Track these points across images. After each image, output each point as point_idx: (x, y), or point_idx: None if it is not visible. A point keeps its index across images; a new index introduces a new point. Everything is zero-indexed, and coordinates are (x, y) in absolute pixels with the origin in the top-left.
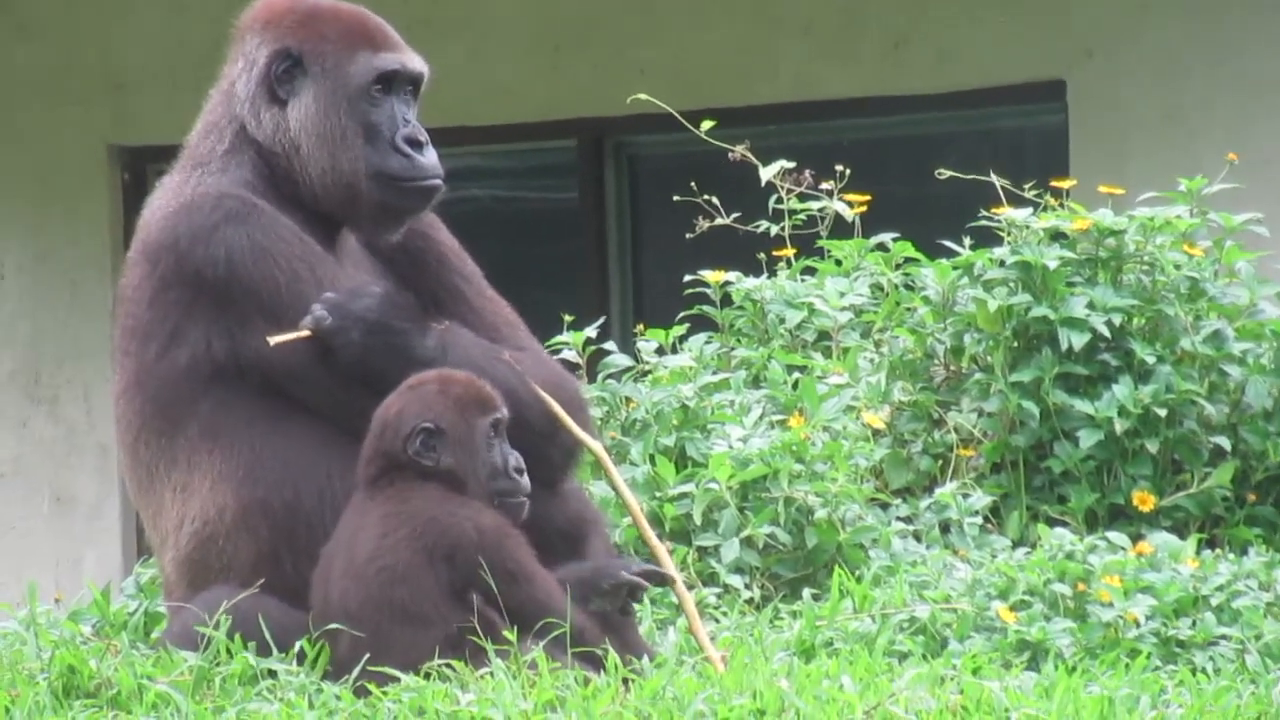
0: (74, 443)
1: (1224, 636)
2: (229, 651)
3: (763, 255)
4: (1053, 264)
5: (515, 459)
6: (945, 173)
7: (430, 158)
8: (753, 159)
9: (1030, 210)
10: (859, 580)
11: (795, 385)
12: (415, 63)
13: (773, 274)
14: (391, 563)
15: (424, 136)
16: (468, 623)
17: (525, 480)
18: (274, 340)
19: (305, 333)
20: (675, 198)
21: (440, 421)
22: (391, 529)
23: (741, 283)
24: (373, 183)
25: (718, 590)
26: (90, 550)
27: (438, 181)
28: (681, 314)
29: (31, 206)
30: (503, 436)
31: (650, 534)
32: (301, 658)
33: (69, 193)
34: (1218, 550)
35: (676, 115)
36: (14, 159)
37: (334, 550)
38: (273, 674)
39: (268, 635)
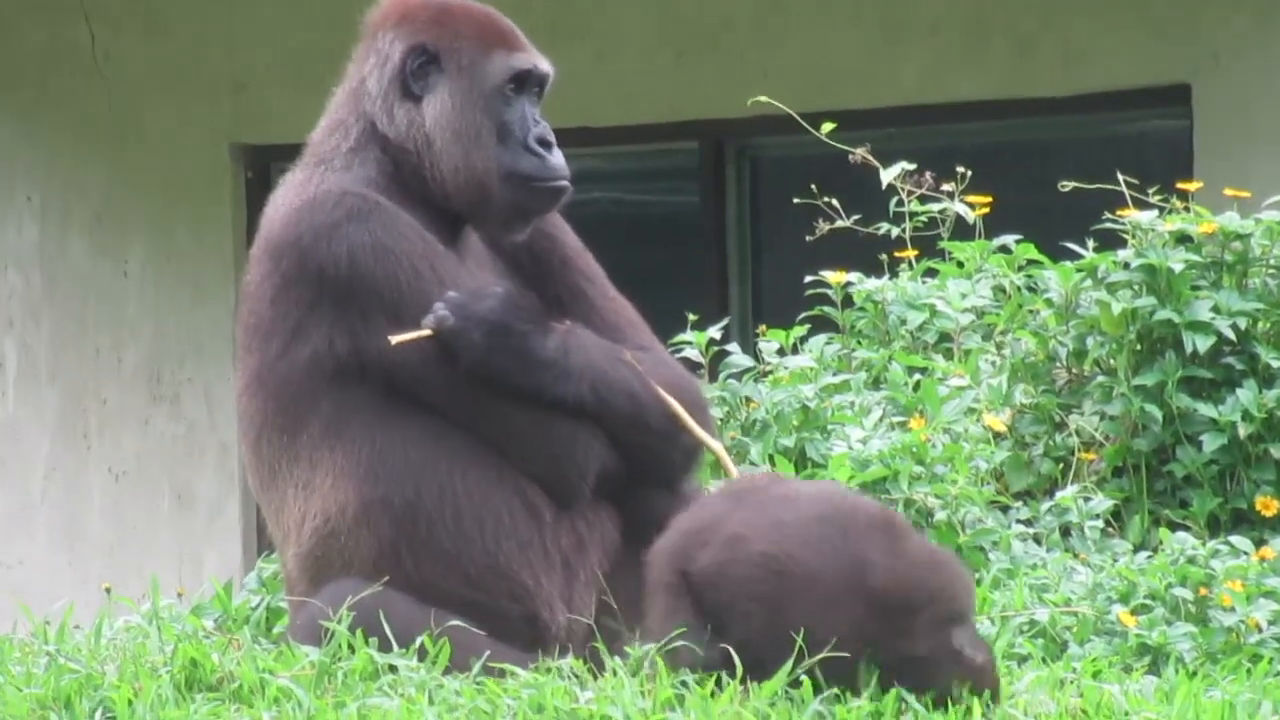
0: (195, 441)
1: None
2: (350, 647)
3: (884, 257)
4: (1178, 267)
5: None
6: (1068, 184)
7: (559, 159)
8: (873, 161)
9: (1155, 213)
10: (979, 583)
11: (916, 387)
12: (545, 64)
13: (894, 275)
14: None
15: (552, 137)
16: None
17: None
18: (395, 340)
19: (427, 332)
20: (795, 200)
21: None
22: None
23: (863, 284)
24: (505, 182)
25: None
26: (210, 549)
27: (566, 183)
28: (802, 315)
29: (156, 205)
30: None
31: None
32: (423, 654)
33: (193, 191)
34: None
35: (796, 116)
36: (139, 158)
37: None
38: (393, 669)
39: (389, 631)
